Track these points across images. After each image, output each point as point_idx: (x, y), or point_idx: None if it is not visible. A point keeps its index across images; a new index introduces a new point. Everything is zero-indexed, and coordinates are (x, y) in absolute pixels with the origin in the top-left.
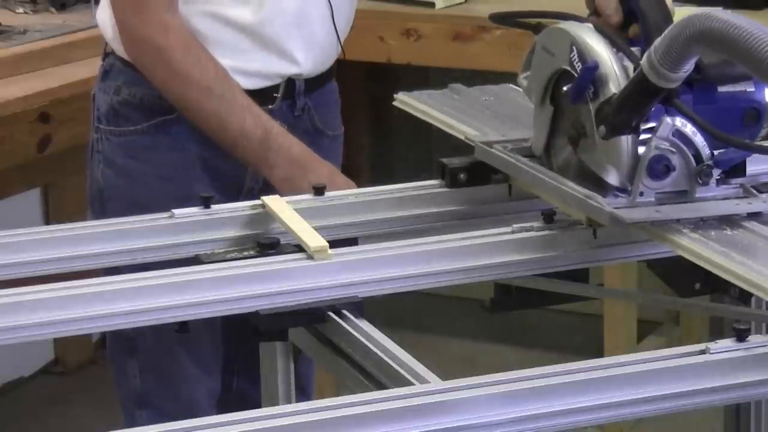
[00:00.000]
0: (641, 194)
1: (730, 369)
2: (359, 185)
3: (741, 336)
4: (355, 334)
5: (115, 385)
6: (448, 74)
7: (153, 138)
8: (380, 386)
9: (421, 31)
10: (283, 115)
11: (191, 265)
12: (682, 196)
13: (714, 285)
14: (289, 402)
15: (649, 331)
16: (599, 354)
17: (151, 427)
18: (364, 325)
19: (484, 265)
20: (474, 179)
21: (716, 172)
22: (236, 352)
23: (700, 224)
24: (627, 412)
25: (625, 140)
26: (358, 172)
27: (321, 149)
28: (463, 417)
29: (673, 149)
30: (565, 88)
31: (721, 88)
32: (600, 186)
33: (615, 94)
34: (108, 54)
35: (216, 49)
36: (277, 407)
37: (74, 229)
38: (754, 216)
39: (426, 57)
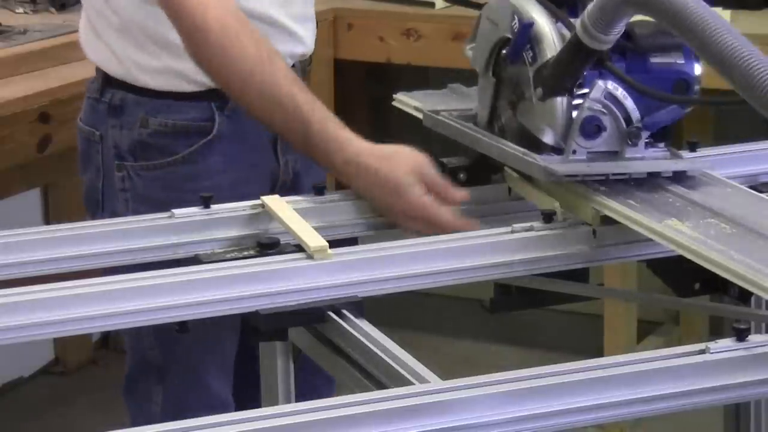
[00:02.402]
0: (574, 152)
1: (729, 369)
2: None
3: (741, 336)
4: (355, 334)
5: (131, 414)
6: (448, 74)
7: (194, 165)
8: (380, 386)
9: (421, 31)
10: None
11: (191, 265)
12: (612, 155)
13: (714, 285)
14: (289, 402)
15: (649, 331)
16: (599, 354)
17: (151, 427)
18: (364, 325)
19: (484, 265)
20: (474, 179)
21: (645, 135)
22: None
23: (628, 181)
24: (627, 412)
25: (560, 101)
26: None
27: None
28: (463, 417)
29: (605, 111)
30: (504, 51)
31: (653, 59)
32: (537, 146)
33: (551, 57)
34: (111, 88)
35: None
36: (277, 407)
37: (74, 229)
38: (678, 177)
39: (426, 57)
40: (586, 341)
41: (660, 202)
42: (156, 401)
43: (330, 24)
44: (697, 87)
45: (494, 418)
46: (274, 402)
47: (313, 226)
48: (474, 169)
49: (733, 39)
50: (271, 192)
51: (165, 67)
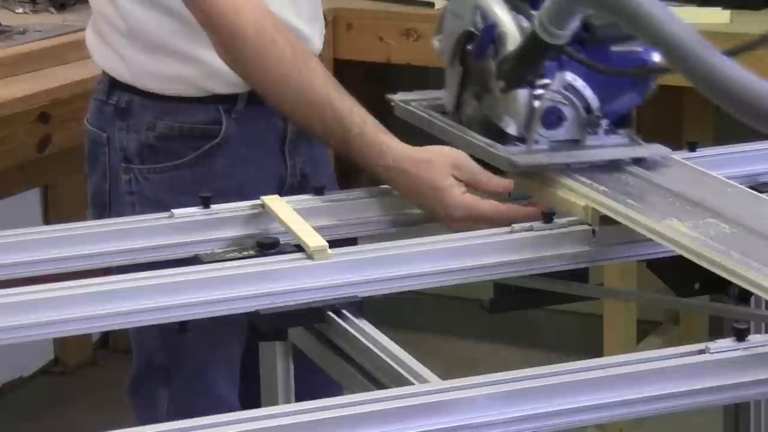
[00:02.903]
0: (536, 142)
1: (729, 369)
2: (359, 185)
3: (741, 336)
4: (355, 334)
5: (136, 414)
6: None
7: (202, 168)
8: (380, 386)
9: (420, 31)
10: None
11: (191, 265)
12: (573, 144)
13: (714, 285)
14: (289, 402)
15: (649, 331)
16: (599, 354)
17: (150, 427)
18: (364, 325)
19: (484, 265)
20: None
21: (605, 123)
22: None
23: (591, 169)
24: (627, 412)
25: (522, 93)
26: (358, 172)
27: None
28: (463, 417)
29: (565, 101)
30: (469, 47)
31: (613, 48)
32: (501, 136)
33: (512, 51)
34: (118, 90)
35: None
36: (277, 407)
37: (74, 229)
38: (638, 162)
39: (426, 57)
40: (586, 341)
41: (622, 184)
42: (161, 404)
43: (330, 24)
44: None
45: (494, 418)
46: (274, 402)
47: (312, 226)
48: None
49: (681, 30)
50: (279, 194)
51: (172, 74)
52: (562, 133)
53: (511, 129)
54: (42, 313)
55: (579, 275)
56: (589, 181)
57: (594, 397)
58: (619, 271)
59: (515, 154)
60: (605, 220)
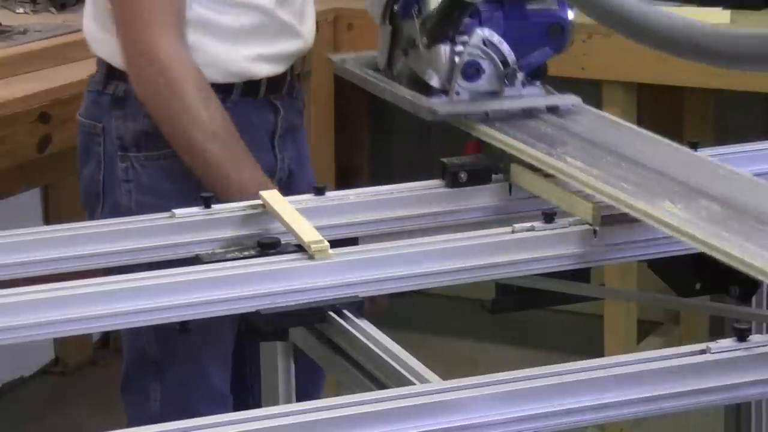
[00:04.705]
0: (458, 94)
1: (730, 369)
2: (359, 185)
3: (741, 336)
4: (356, 334)
5: (128, 412)
6: None
7: None
8: (380, 386)
9: None
10: (284, 102)
11: (191, 265)
12: (493, 95)
13: (714, 285)
14: (289, 402)
15: (649, 331)
16: (599, 354)
17: (150, 426)
18: (365, 325)
19: (484, 265)
20: (474, 179)
21: (521, 75)
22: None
23: (508, 117)
24: (627, 412)
25: (443, 48)
26: (358, 172)
27: (302, 132)
28: (464, 417)
29: (483, 55)
30: (396, 7)
31: (529, 6)
32: (427, 89)
33: (434, 9)
34: (115, 80)
35: (246, 38)
36: (277, 407)
37: (74, 229)
38: (552, 110)
39: None
40: (586, 341)
41: (537, 131)
42: (154, 398)
43: (330, 24)
44: (570, 29)
45: (494, 418)
46: (274, 402)
47: (313, 226)
48: (474, 169)
49: None
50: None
51: None
52: (481, 85)
53: (435, 82)
54: (42, 313)
55: (580, 275)
56: (505, 128)
57: (594, 397)
58: (619, 271)
59: (437, 104)
60: (606, 220)
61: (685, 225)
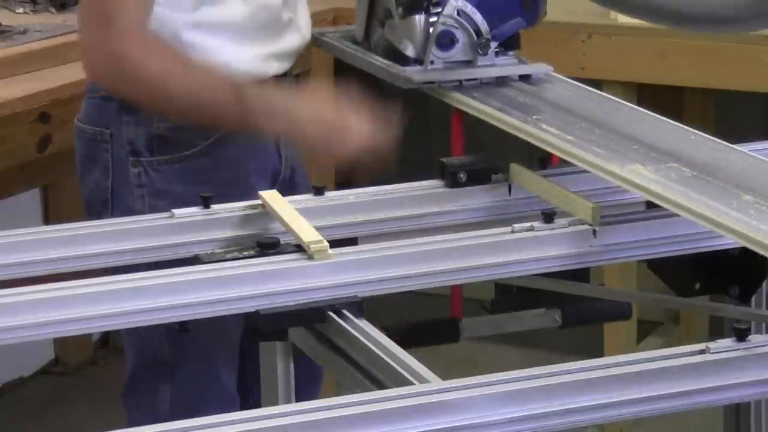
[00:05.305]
0: (432, 63)
1: (730, 369)
2: (359, 185)
3: (741, 336)
4: (355, 334)
5: (130, 417)
6: None
7: (213, 157)
8: (380, 386)
9: None
10: None
11: (191, 265)
12: (466, 64)
13: (714, 285)
14: (289, 402)
15: (649, 331)
16: (599, 354)
17: (150, 426)
18: (364, 325)
19: (484, 265)
20: (474, 179)
21: (494, 45)
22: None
23: (482, 86)
24: (627, 412)
25: (418, 19)
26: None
27: None
28: (463, 417)
29: (457, 25)
30: None
31: None
32: (402, 59)
33: None
34: None
35: (256, 37)
36: (277, 407)
37: (74, 229)
38: (524, 78)
39: None
40: (586, 341)
41: (509, 98)
42: (164, 399)
43: (330, 24)
44: (543, 1)
45: (494, 418)
46: (274, 402)
47: (313, 226)
48: (474, 169)
49: None
50: (272, 188)
51: None
52: (455, 54)
53: (410, 51)
54: (42, 313)
55: (580, 275)
56: (480, 96)
57: (594, 397)
58: (619, 271)
59: (412, 72)
60: (606, 220)
61: (653, 185)
